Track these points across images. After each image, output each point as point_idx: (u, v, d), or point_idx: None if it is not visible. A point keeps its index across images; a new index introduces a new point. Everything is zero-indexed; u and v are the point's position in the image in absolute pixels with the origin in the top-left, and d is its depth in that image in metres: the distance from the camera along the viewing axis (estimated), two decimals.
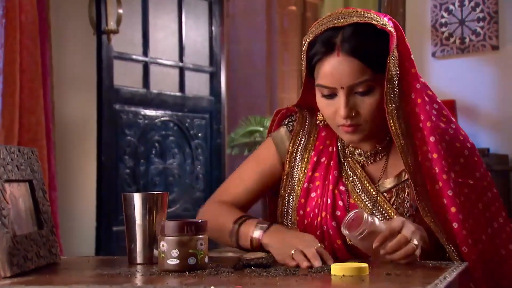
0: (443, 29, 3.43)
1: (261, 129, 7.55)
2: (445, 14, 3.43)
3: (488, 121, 3.36)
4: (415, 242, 1.09)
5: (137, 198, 1.18)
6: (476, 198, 1.27)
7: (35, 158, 1.20)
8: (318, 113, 1.32)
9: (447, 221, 1.20)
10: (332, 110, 1.22)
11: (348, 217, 1.13)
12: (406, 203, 1.26)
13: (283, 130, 1.38)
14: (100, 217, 3.69)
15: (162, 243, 1.06)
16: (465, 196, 1.25)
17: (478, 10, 3.35)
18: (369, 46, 1.19)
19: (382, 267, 1.08)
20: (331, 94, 1.21)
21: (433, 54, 3.46)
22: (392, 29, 1.21)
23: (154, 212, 1.18)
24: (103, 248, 3.65)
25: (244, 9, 8.54)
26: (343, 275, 0.98)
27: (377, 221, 1.13)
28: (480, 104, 3.38)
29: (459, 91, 3.38)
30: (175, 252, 1.04)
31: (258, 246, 1.22)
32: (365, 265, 0.99)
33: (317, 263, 1.09)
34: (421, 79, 1.29)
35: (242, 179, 1.38)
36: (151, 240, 1.18)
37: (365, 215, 1.11)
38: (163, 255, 1.05)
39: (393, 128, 1.20)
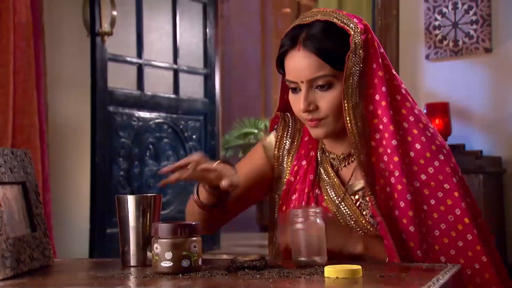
0: (437, 31, 3.44)
1: (255, 131, 7.55)
2: (439, 17, 3.45)
3: (482, 123, 3.37)
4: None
5: (130, 200, 1.18)
6: (454, 203, 1.25)
7: (28, 160, 1.19)
8: None
9: (400, 224, 1.21)
10: (299, 105, 1.27)
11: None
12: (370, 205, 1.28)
13: (272, 134, 1.43)
14: (94, 219, 3.68)
15: (155, 245, 1.06)
16: (438, 200, 1.25)
17: (471, 13, 3.36)
18: (329, 44, 1.23)
19: (376, 269, 1.08)
20: (296, 89, 1.27)
21: (427, 57, 3.48)
22: (354, 29, 1.23)
23: (148, 214, 1.18)
24: (96, 250, 3.64)
25: (238, 10, 8.55)
26: (337, 277, 0.98)
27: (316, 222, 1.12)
28: (474, 107, 3.39)
29: (453, 94, 3.39)
30: (168, 255, 1.04)
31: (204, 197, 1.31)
32: (359, 267, 1.00)
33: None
34: (402, 85, 1.30)
35: None
36: (145, 243, 1.17)
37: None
38: (157, 258, 1.05)
39: (349, 125, 1.23)
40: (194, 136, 4.39)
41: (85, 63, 3.72)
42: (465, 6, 3.38)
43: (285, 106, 1.42)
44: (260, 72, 8.43)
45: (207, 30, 4.50)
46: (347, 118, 1.23)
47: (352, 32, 1.23)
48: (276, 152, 1.39)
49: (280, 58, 1.29)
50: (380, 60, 1.26)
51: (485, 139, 3.34)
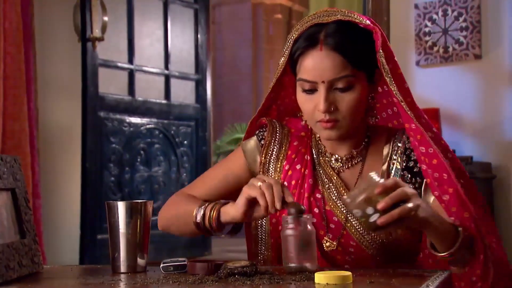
0: (427, 38, 3.46)
1: None
2: (429, 23, 3.47)
3: (471, 129, 3.39)
4: (410, 205, 1.03)
5: (120, 206, 1.18)
6: (470, 198, 1.28)
7: (18, 166, 1.19)
8: (299, 113, 1.34)
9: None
10: (312, 105, 1.24)
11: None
12: None
13: (253, 140, 1.39)
14: (84, 225, 3.67)
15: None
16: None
17: (461, 19, 3.38)
18: (351, 42, 1.21)
19: (366, 275, 1.08)
20: (312, 89, 1.23)
21: (417, 63, 3.49)
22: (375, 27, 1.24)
23: (138, 220, 1.18)
24: (87, 257, 3.62)
25: (230, 17, 8.56)
26: (327, 283, 0.98)
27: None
28: (464, 113, 3.41)
29: (443, 100, 3.41)
30: (370, 210, 1.04)
31: (216, 223, 1.22)
32: (349, 273, 1.00)
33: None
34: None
35: (207, 178, 1.40)
36: (135, 249, 1.17)
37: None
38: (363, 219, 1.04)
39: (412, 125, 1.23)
40: (185, 142, 4.38)
41: (76, 69, 3.71)
42: (455, 13, 3.40)
43: (267, 109, 1.40)
44: (251, 78, 8.45)
45: (199, 36, 4.50)
46: (414, 118, 1.22)
47: (378, 30, 1.22)
48: (262, 158, 1.35)
49: (295, 58, 1.25)
50: (395, 58, 1.27)
51: (475, 145, 3.36)
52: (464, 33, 3.37)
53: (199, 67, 4.51)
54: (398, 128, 1.34)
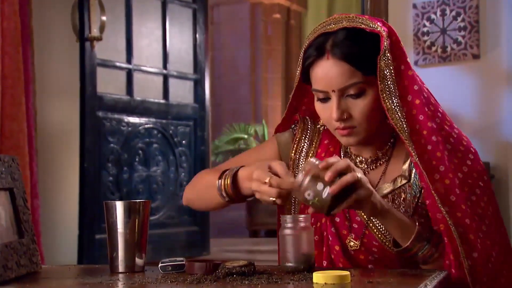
0: (425, 38, 3.47)
1: (245, 136, 7.56)
2: (427, 23, 3.47)
3: (470, 129, 3.39)
4: (358, 175, 1.08)
5: (119, 206, 1.18)
6: (488, 200, 1.27)
7: (16, 166, 1.19)
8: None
9: (456, 218, 1.19)
10: (328, 113, 1.24)
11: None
12: (401, 208, 1.27)
13: (288, 133, 1.40)
14: (82, 225, 3.67)
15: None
16: (477, 196, 1.25)
17: (459, 19, 3.39)
18: (358, 49, 1.21)
19: (364, 275, 1.08)
20: (326, 98, 1.24)
21: (416, 63, 3.50)
22: (382, 31, 1.22)
23: (136, 220, 1.18)
24: (85, 256, 3.62)
25: (228, 16, 8.57)
26: (325, 283, 0.98)
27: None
28: (462, 113, 3.41)
29: (441, 99, 3.38)
30: (320, 185, 1.06)
31: (231, 190, 1.25)
32: (347, 273, 1.00)
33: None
34: (424, 86, 1.31)
35: (240, 159, 1.40)
36: (133, 249, 1.17)
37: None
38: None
39: (395, 124, 1.21)
40: (183, 142, 4.38)
41: (74, 68, 3.71)
42: (453, 13, 3.40)
43: (294, 111, 1.40)
44: (250, 78, 8.45)
45: (197, 35, 4.50)
46: (392, 119, 1.20)
47: (384, 34, 1.21)
48: (292, 154, 1.36)
49: (306, 68, 1.26)
50: (408, 59, 1.26)
51: (473, 144, 3.36)
52: (463, 33, 3.38)
53: (197, 67, 4.51)
54: None
